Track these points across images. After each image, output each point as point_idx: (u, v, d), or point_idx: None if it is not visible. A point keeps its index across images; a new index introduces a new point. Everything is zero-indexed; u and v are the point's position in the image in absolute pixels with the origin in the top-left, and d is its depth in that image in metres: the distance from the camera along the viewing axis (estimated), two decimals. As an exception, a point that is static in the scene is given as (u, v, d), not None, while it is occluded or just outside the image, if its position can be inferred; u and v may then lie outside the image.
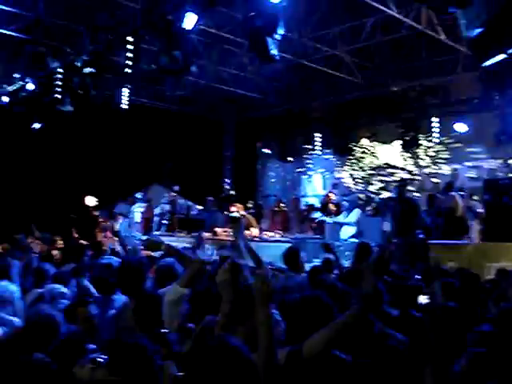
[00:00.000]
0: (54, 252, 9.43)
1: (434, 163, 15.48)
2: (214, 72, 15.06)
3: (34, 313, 3.89)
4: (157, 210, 15.25)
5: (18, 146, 14.16)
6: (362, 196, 16.39)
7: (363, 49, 13.49)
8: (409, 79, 14.56)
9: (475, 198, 13.02)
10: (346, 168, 17.52)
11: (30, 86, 11.87)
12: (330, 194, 14.33)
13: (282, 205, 14.88)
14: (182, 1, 9.11)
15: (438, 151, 15.39)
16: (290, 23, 11.79)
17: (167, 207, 15.28)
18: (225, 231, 13.25)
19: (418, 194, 14.70)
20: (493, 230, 12.14)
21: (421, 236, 10.33)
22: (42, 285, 5.62)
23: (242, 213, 13.61)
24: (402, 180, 14.96)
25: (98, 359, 2.75)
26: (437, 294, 4.13)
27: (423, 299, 4.69)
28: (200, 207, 15.74)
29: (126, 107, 13.90)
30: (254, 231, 12.61)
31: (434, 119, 14.97)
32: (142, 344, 2.75)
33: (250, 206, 15.17)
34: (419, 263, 7.56)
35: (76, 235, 11.95)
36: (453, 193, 12.13)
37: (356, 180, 17.35)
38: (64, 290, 5.22)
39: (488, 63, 8.04)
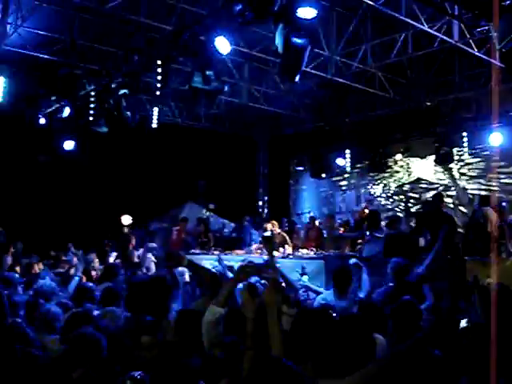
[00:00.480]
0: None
1: (470, 177, 15.31)
2: (246, 91, 15.20)
3: (80, 334, 3.97)
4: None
5: (55, 166, 14.43)
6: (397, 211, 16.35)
7: (395, 64, 13.45)
8: (442, 93, 14.48)
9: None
10: (379, 184, 17.43)
11: (67, 110, 12.09)
12: (365, 210, 14.27)
13: (315, 222, 14.89)
14: (215, 22, 9.24)
15: (471, 165, 15.23)
16: (322, 40, 11.89)
17: (201, 226, 15.37)
18: (258, 249, 13.29)
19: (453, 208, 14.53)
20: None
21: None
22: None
23: (277, 230, 13.64)
24: (438, 194, 14.81)
25: (137, 375, 2.81)
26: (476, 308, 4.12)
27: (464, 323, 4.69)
28: (233, 224, 15.85)
29: (156, 126, 14.07)
30: (288, 249, 12.61)
31: (467, 133, 14.83)
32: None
33: (284, 223, 15.19)
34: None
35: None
36: (486, 207, 11.97)
37: (390, 195, 17.24)
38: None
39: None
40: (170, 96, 11.14)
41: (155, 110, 12.89)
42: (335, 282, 6.68)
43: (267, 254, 5.86)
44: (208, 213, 16.22)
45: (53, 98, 12.23)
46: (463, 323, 4.61)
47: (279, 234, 13.52)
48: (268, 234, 5.48)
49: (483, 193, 14.35)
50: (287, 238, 13.16)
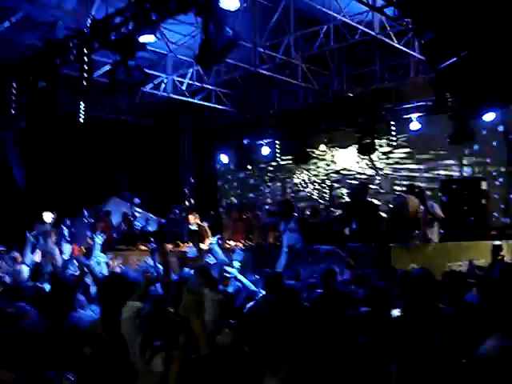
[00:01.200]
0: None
1: (391, 166, 15.70)
2: (170, 82, 15.01)
3: None
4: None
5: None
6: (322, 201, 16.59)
7: (318, 55, 13.62)
8: (363, 84, 14.79)
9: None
10: (304, 174, 17.62)
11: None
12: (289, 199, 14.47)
13: (242, 213, 14.91)
14: (135, 13, 9.07)
15: (394, 154, 15.62)
16: (245, 32, 11.87)
17: (126, 221, 15.12)
18: (187, 243, 13.21)
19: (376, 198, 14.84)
20: (451, 230, 12.42)
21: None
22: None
23: (199, 223, 13.59)
24: (362, 184, 15.14)
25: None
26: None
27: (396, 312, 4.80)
28: (157, 218, 15.68)
29: (82, 121, 13.71)
30: (207, 243, 12.42)
31: (389, 123, 15.20)
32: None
33: (210, 215, 15.13)
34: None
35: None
36: (407, 195, 12.33)
37: (314, 186, 17.46)
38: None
39: (440, 66, 8.21)
40: (95, 89, 10.81)
41: (81, 104, 12.47)
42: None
43: (195, 247, 5.83)
44: (134, 207, 15.92)
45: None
46: (396, 312, 4.72)
47: (201, 226, 13.51)
48: (194, 227, 5.44)
49: (404, 181, 14.80)
50: (208, 231, 13.06)
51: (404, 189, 13.50)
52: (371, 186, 15.66)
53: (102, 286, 5.01)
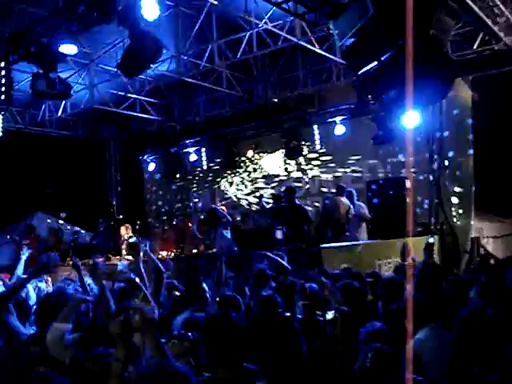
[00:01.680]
0: None
1: (317, 169, 15.95)
2: (92, 93, 14.73)
3: None
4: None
5: None
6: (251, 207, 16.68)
7: (241, 62, 13.69)
8: (287, 89, 14.98)
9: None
10: (233, 180, 17.66)
11: None
12: (223, 207, 14.45)
13: (173, 223, 14.85)
14: (55, 24, 8.89)
15: (320, 157, 15.88)
16: (168, 40, 11.81)
17: (52, 237, 14.75)
18: (117, 256, 13.03)
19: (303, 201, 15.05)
20: (378, 229, 12.75)
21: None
22: None
23: (131, 235, 13.46)
24: (290, 188, 15.31)
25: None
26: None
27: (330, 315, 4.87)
28: (86, 232, 15.40)
29: (1, 134, 13.29)
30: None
31: (314, 126, 15.45)
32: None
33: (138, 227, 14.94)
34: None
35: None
36: (337, 196, 12.58)
37: (244, 191, 17.53)
38: None
39: (362, 71, 8.43)
40: (13, 101, 10.49)
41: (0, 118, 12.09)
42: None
43: (132, 259, 5.72)
44: (59, 222, 15.55)
45: None
46: (330, 315, 4.80)
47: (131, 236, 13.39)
48: (133, 240, 5.31)
49: (330, 183, 15.09)
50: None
51: (333, 191, 13.74)
52: (299, 188, 15.97)
53: (40, 306, 4.90)
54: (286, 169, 16.49)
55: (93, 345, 3.73)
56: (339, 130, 14.80)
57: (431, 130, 13.65)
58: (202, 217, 14.60)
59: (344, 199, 12.35)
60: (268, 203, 13.80)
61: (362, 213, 12.78)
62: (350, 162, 15.18)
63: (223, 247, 11.61)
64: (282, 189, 14.74)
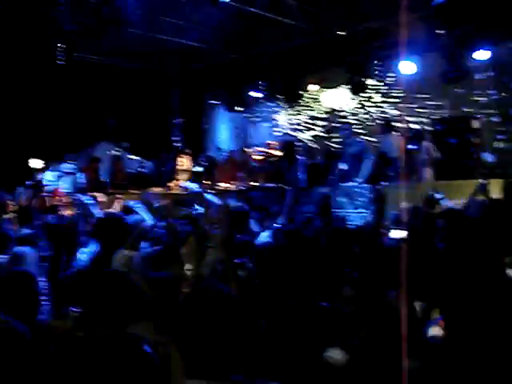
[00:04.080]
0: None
1: (383, 107, 15.60)
2: (155, 22, 14.61)
3: None
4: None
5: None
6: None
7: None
8: (354, 22, 14.48)
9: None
10: (294, 115, 17.50)
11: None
12: (272, 143, 14.44)
13: (232, 155, 14.91)
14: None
15: (385, 94, 15.50)
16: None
17: (115, 165, 15.05)
18: (177, 184, 13.23)
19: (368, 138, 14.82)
20: (443, 169, 12.47)
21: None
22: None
23: (188, 164, 13.65)
24: (348, 123, 15.10)
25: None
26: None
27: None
28: (148, 162, 15.61)
29: (64, 63, 13.38)
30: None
31: (379, 62, 14.97)
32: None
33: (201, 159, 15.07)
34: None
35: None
36: (390, 134, 12.31)
37: (304, 126, 17.38)
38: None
39: (435, 3, 8.06)
40: (78, 29, 10.49)
41: (63, 47, 12.13)
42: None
43: (199, 188, 5.79)
44: (122, 151, 15.76)
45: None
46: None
47: (189, 167, 13.61)
48: (200, 169, 5.30)
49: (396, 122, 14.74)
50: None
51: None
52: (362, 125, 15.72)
53: (99, 225, 4.98)
54: (348, 105, 16.19)
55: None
56: (406, 66, 14.28)
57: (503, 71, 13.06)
58: (275, 149, 14.59)
59: (396, 136, 12.12)
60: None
61: (430, 152, 12.47)
62: (416, 100, 14.73)
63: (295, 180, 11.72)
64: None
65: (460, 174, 11.00)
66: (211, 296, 2.28)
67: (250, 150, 15.15)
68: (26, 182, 13.37)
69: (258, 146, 15.29)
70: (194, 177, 12.06)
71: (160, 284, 3.60)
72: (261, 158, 14.51)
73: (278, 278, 3.35)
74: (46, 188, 13.30)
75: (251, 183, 13.52)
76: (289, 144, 13.79)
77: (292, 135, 17.44)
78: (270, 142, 15.26)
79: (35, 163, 13.86)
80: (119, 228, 4.82)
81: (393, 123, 12.97)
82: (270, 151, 14.52)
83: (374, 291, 3.62)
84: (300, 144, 16.41)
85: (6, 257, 5.20)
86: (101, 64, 16.16)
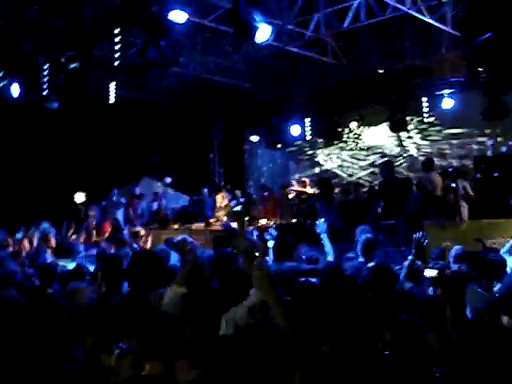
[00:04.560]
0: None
1: (422, 143, 15.58)
2: (198, 61, 15.00)
3: None
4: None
5: (7, 144, 14.01)
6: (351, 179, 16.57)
7: (348, 32, 13.45)
8: (394, 61, 14.58)
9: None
10: (334, 152, 17.57)
11: (15, 86, 11.60)
12: (305, 180, 14.46)
13: (272, 192, 15.00)
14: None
15: (425, 131, 15.48)
16: (274, 9, 11.77)
17: (156, 202, 15.29)
18: (219, 221, 13.36)
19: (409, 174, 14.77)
20: (484, 207, 12.28)
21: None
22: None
23: (225, 202, 13.79)
24: (388, 161, 15.09)
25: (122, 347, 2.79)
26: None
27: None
28: (188, 197, 15.83)
29: (113, 101, 13.82)
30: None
31: (421, 99, 14.98)
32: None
33: (238, 194, 15.20)
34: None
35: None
36: (430, 172, 12.24)
37: (344, 164, 17.42)
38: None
39: (476, 41, 8.09)
40: (126, 69, 10.86)
41: (112, 84, 12.56)
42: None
43: (238, 227, 5.82)
44: (164, 187, 16.04)
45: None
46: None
47: (227, 204, 13.73)
48: (238, 208, 5.39)
49: (436, 159, 14.65)
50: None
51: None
52: (402, 163, 15.67)
53: (132, 261, 5.03)
54: (389, 142, 16.20)
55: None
56: (447, 103, 14.29)
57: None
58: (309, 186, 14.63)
59: (436, 175, 12.06)
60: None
61: (466, 191, 12.35)
62: (457, 137, 14.68)
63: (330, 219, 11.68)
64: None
65: (501, 213, 10.84)
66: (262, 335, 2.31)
67: (287, 187, 15.22)
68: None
69: (293, 183, 15.32)
70: (233, 214, 12.17)
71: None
72: (293, 195, 14.54)
73: (318, 317, 3.36)
74: (91, 222, 13.59)
75: (290, 220, 13.57)
76: (325, 181, 13.82)
77: (332, 172, 17.50)
78: (304, 179, 15.27)
79: (79, 197, 14.18)
80: (152, 265, 4.83)
81: (433, 161, 12.91)
82: (303, 189, 14.54)
83: (412, 334, 3.61)
84: (339, 181, 16.47)
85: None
86: (145, 101, 16.58)
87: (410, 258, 5.93)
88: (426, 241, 6.13)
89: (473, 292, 4.88)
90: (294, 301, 3.71)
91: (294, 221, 13.29)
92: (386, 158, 15.66)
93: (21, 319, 3.62)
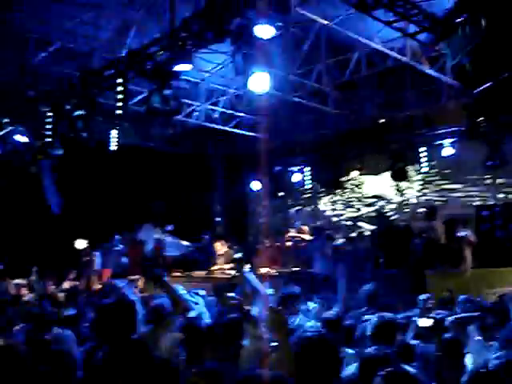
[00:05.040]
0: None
1: (424, 193, 15.63)
2: (202, 110, 15.21)
3: None
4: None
5: (11, 191, 14.06)
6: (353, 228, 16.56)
7: (349, 82, 13.65)
8: (395, 110, 14.75)
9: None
10: (335, 200, 17.62)
11: (20, 138, 11.73)
12: (303, 227, 14.43)
13: (273, 240, 14.95)
14: (171, 44, 9.22)
15: (426, 180, 15.55)
16: (276, 59, 11.97)
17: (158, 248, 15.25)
18: (220, 269, 13.28)
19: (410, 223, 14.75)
20: (485, 256, 12.25)
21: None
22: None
23: (225, 249, 13.76)
24: (381, 213, 15.15)
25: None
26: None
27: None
28: (188, 244, 15.80)
29: (115, 149, 13.96)
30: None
31: (421, 149, 15.10)
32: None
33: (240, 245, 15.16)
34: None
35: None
36: (432, 221, 12.26)
37: (345, 212, 17.44)
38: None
39: (476, 91, 8.19)
40: (129, 117, 11.01)
41: (113, 132, 12.71)
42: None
43: (238, 275, 5.84)
44: (164, 235, 15.99)
45: (4, 120, 11.95)
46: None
47: (226, 252, 13.68)
48: (239, 255, 5.35)
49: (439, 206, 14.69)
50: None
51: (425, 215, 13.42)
52: (403, 211, 15.69)
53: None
54: (390, 192, 16.25)
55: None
56: (448, 152, 14.39)
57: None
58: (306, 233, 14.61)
59: (439, 223, 12.08)
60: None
61: (469, 240, 12.33)
62: (458, 186, 14.74)
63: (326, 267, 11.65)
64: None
65: (503, 262, 10.82)
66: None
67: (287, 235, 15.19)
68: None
69: (291, 231, 15.30)
70: (234, 262, 12.12)
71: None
72: (290, 243, 14.51)
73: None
74: (93, 269, 13.57)
75: (292, 268, 13.50)
76: (320, 229, 13.82)
77: (333, 220, 17.53)
78: (302, 226, 15.24)
79: (80, 244, 14.14)
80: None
81: (436, 209, 12.95)
82: (301, 235, 14.53)
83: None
84: (340, 230, 16.47)
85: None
86: (147, 149, 16.71)
87: (415, 319, 5.78)
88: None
89: (475, 343, 4.81)
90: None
91: (295, 269, 13.20)
92: (377, 208, 15.76)
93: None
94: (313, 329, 4.16)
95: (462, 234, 12.17)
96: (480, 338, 5.00)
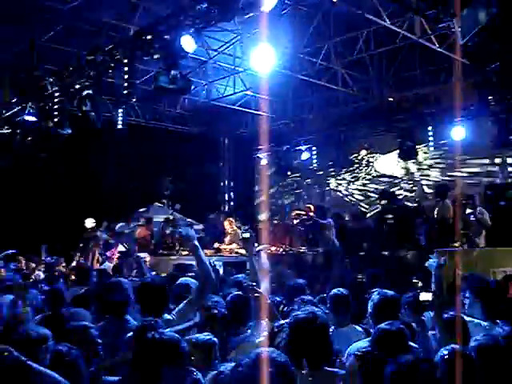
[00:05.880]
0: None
1: (432, 171, 15.56)
2: (208, 89, 15.17)
3: None
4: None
5: (16, 170, 14.11)
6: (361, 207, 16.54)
7: (357, 60, 13.55)
8: (404, 89, 14.63)
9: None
10: (344, 179, 17.60)
11: (30, 118, 11.71)
12: (310, 206, 14.39)
13: (281, 219, 14.99)
14: (179, 22, 9.16)
15: (435, 159, 15.48)
16: (285, 38, 11.90)
17: (167, 227, 15.27)
18: (226, 248, 13.38)
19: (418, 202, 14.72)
20: (497, 235, 12.21)
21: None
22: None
23: (234, 228, 13.81)
24: (386, 191, 15.09)
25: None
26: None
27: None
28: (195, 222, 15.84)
29: (121, 127, 13.99)
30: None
31: (430, 128, 15.01)
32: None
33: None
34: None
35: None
36: (447, 200, 12.20)
37: (354, 191, 17.41)
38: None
39: (486, 69, 8.15)
40: (135, 96, 10.98)
41: (120, 111, 12.73)
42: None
43: (247, 253, 5.85)
44: (174, 214, 16.05)
45: (13, 100, 11.96)
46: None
47: (234, 230, 13.73)
48: (247, 234, 5.33)
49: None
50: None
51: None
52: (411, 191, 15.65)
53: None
54: (398, 170, 16.20)
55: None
56: (457, 131, 14.28)
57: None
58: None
59: (449, 202, 12.02)
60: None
61: (483, 218, 12.27)
62: (467, 165, 14.66)
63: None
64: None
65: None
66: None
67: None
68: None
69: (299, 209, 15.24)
70: (242, 241, 12.20)
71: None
72: (297, 220, 14.43)
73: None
74: (101, 247, 13.65)
75: (298, 247, 13.53)
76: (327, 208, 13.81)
77: (342, 199, 17.53)
78: (309, 205, 15.19)
79: (89, 223, 14.22)
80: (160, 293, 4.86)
81: (448, 188, 12.87)
82: (309, 213, 14.47)
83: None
84: (349, 208, 16.47)
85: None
86: (155, 128, 16.73)
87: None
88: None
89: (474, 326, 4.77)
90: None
91: (302, 249, 13.23)
92: (384, 188, 15.71)
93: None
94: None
95: (478, 213, 12.12)
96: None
